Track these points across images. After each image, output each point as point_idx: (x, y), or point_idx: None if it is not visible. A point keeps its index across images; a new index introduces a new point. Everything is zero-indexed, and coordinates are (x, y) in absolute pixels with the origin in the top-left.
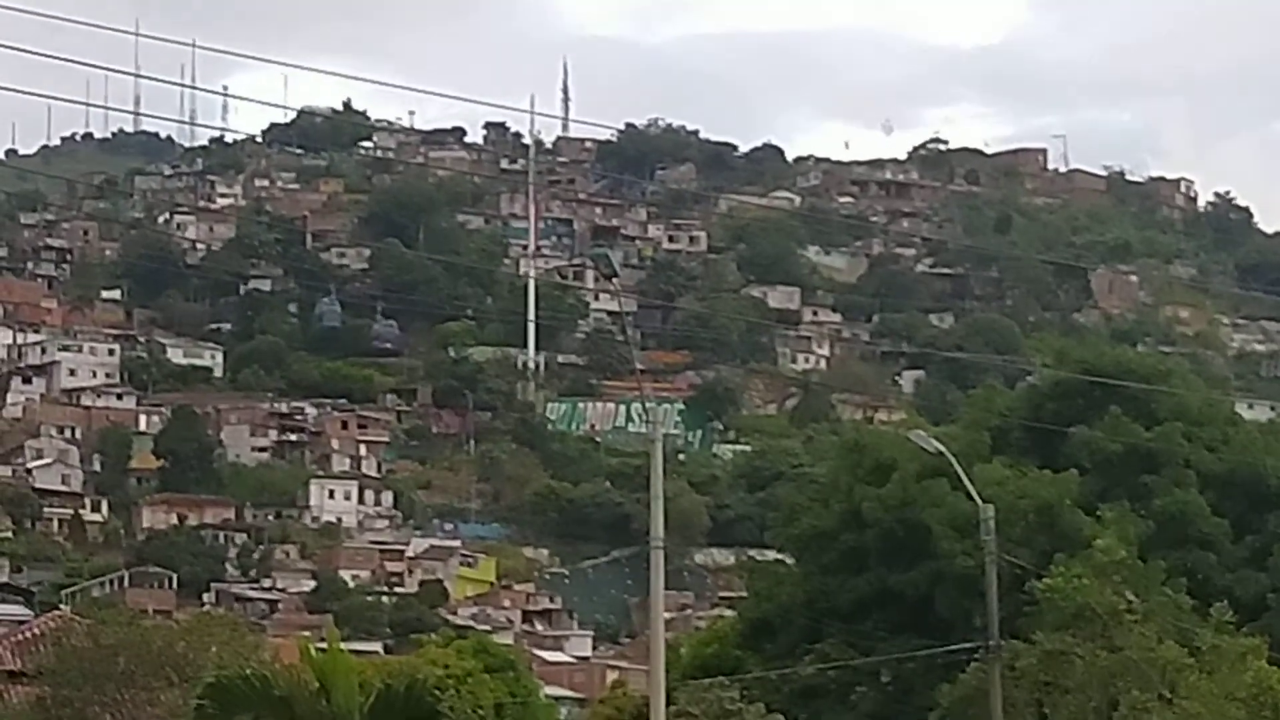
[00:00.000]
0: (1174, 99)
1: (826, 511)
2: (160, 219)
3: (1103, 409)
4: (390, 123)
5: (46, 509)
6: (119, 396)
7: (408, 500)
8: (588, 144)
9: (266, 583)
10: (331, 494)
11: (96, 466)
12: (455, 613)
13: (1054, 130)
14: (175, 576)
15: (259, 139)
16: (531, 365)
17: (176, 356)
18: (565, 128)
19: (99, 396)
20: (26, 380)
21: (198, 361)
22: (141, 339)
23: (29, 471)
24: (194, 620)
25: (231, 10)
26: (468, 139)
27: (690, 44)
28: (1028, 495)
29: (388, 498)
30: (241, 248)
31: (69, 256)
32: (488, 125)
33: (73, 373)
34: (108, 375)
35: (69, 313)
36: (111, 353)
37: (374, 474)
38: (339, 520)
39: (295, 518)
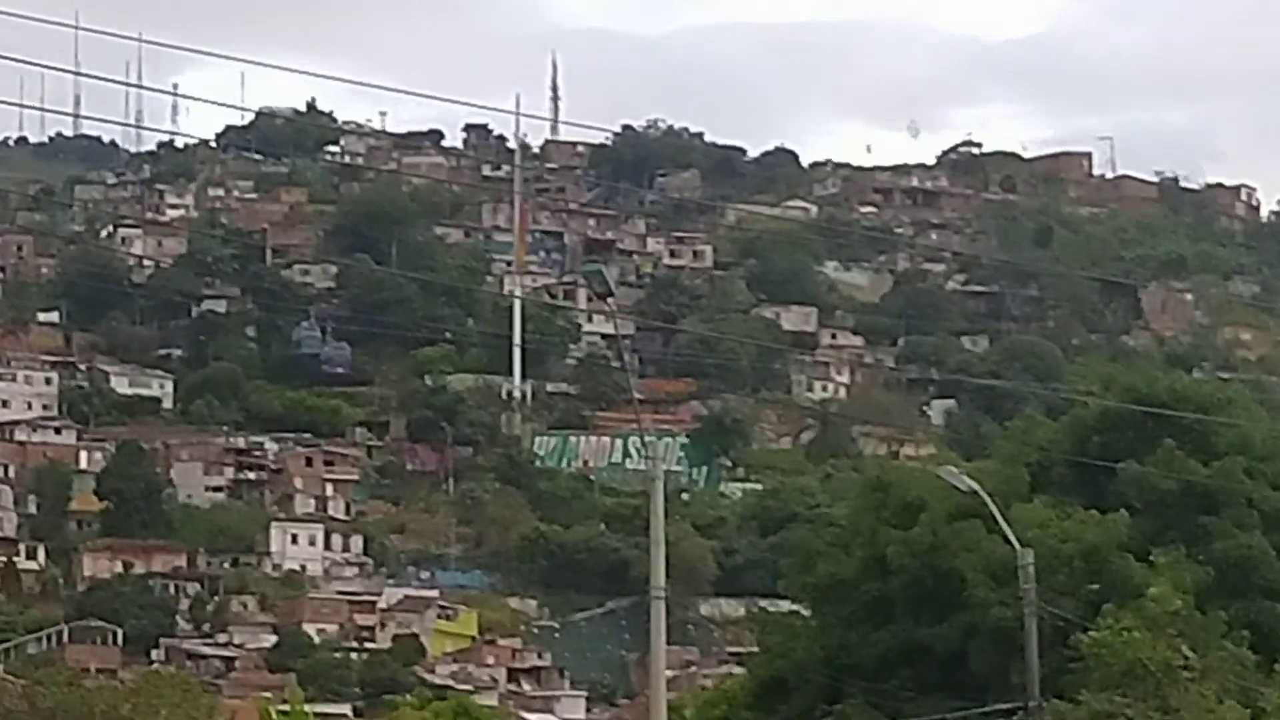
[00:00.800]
0: (1233, 97)
1: (847, 557)
2: (103, 232)
3: (1155, 442)
4: (359, 125)
5: None
6: (57, 431)
7: (379, 546)
8: (580, 148)
9: (222, 638)
10: (294, 539)
11: (32, 509)
12: (433, 671)
13: (1100, 132)
14: (120, 631)
15: (213, 143)
16: (517, 395)
17: (121, 386)
18: (554, 130)
19: (35, 431)
20: None
21: (145, 391)
22: (82, 367)
23: None
24: (141, 680)
25: (182, 1)
26: (445, 143)
27: (694, 36)
28: (1071, 538)
29: (357, 543)
30: (194, 264)
31: (1, 275)
32: (468, 128)
33: (5, 404)
34: (45, 407)
35: (1, 338)
36: (49, 382)
37: (342, 516)
38: (303, 568)
39: (254, 565)
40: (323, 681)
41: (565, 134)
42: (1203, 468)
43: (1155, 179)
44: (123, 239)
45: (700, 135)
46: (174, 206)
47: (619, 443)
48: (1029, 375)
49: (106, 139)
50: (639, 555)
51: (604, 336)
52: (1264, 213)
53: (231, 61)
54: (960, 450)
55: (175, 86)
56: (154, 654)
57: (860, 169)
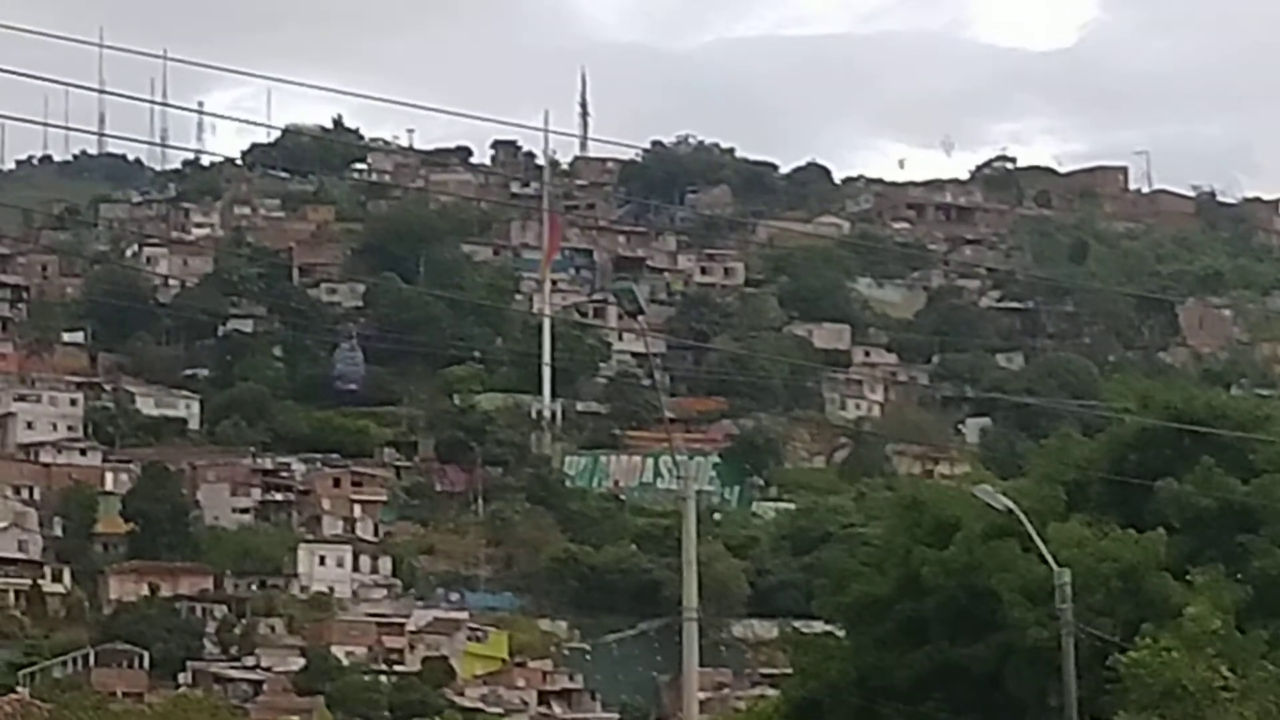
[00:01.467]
0: (1271, 109)
1: (881, 577)
2: (128, 252)
3: (1193, 460)
4: (386, 142)
5: (1, 579)
6: (82, 452)
7: (408, 567)
8: (609, 164)
9: (249, 661)
10: (322, 560)
11: (58, 531)
12: (462, 694)
13: (1136, 146)
14: (147, 655)
15: (239, 161)
16: (547, 414)
17: (147, 407)
18: (584, 146)
19: (60, 452)
20: None
21: (171, 412)
22: (107, 387)
23: None
24: (168, 704)
25: (207, 18)
26: (474, 160)
27: (724, 51)
28: (1109, 558)
29: (385, 564)
30: (220, 284)
31: (25, 295)
32: (496, 144)
33: (30, 425)
34: (69, 428)
35: (25, 358)
36: (74, 403)
37: (370, 538)
38: (331, 590)
39: (281, 588)
40: (351, 705)
41: (595, 150)
42: (1241, 485)
43: (1192, 193)
44: (148, 258)
45: (731, 151)
46: (200, 225)
47: (650, 462)
48: (1065, 392)
49: (131, 157)
50: (671, 576)
51: (634, 355)
52: None
53: (257, 79)
54: (995, 469)
55: (200, 104)
56: (181, 677)
57: (893, 184)
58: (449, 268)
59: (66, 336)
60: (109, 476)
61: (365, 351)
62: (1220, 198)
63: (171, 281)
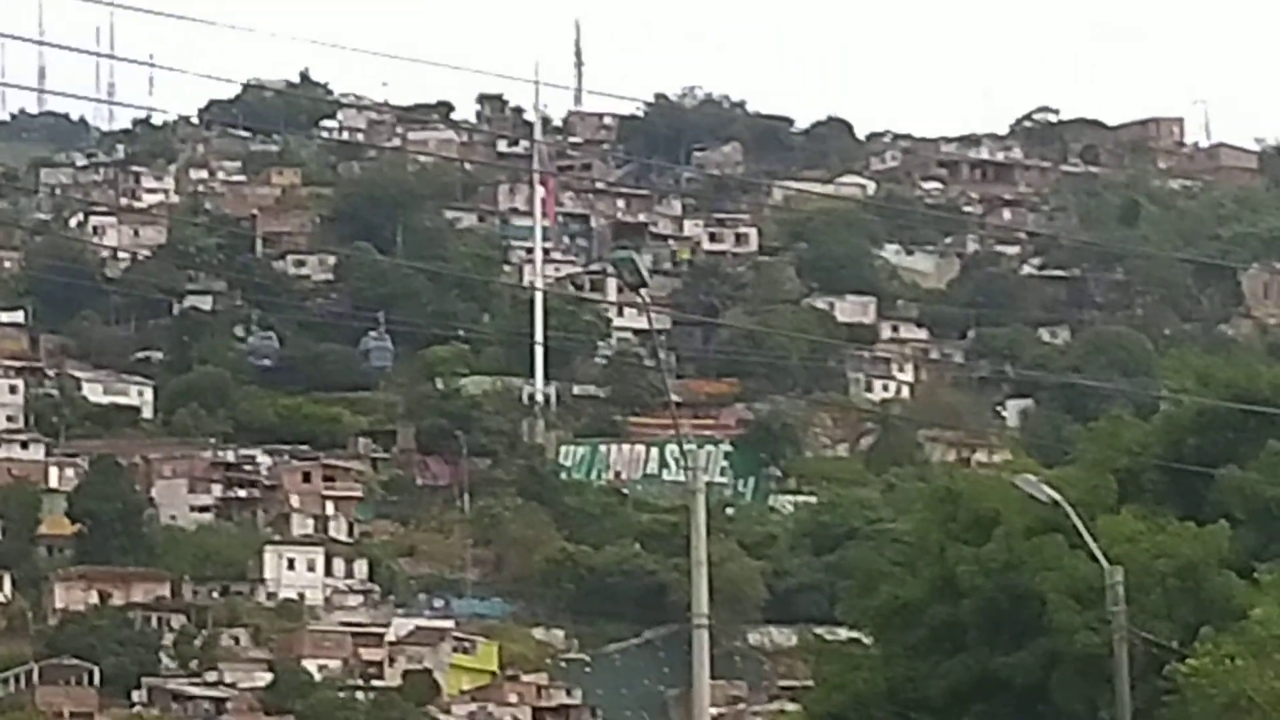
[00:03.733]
0: None
1: (912, 578)
2: (72, 221)
3: (1259, 444)
4: (358, 97)
5: None
6: (23, 445)
7: (387, 571)
8: (607, 120)
9: (211, 676)
10: (291, 564)
11: None
12: (448, 711)
13: (1192, 96)
14: (97, 670)
15: (194, 120)
16: (540, 399)
17: (95, 394)
18: (578, 100)
19: None
20: None
21: (121, 400)
22: (51, 373)
23: None
24: None
25: None
26: (456, 116)
27: None
28: (1166, 554)
29: (362, 568)
30: (174, 256)
31: None
32: (481, 99)
33: None
34: (9, 418)
35: None
36: (13, 390)
37: (344, 538)
38: (301, 597)
39: (246, 594)
40: None
41: (590, 104)
42: None
43: (1256, 147)
44: (94, 228)
45: (742, 104)
46: (151, 191)
47: (654, 451)
48: (1115, 370)
49: (75, 116)
50: (678, 578)
51: (636, 332)
52: None
53: (215, 28)
54: (1039, 455)
55: (151, 57)
56: (135, 695)
57: (923, 140)
58: (429, 236)
59: (4, 316)
60: (53, 472)
61: (334, 331)
62: None
63: (121, 254)
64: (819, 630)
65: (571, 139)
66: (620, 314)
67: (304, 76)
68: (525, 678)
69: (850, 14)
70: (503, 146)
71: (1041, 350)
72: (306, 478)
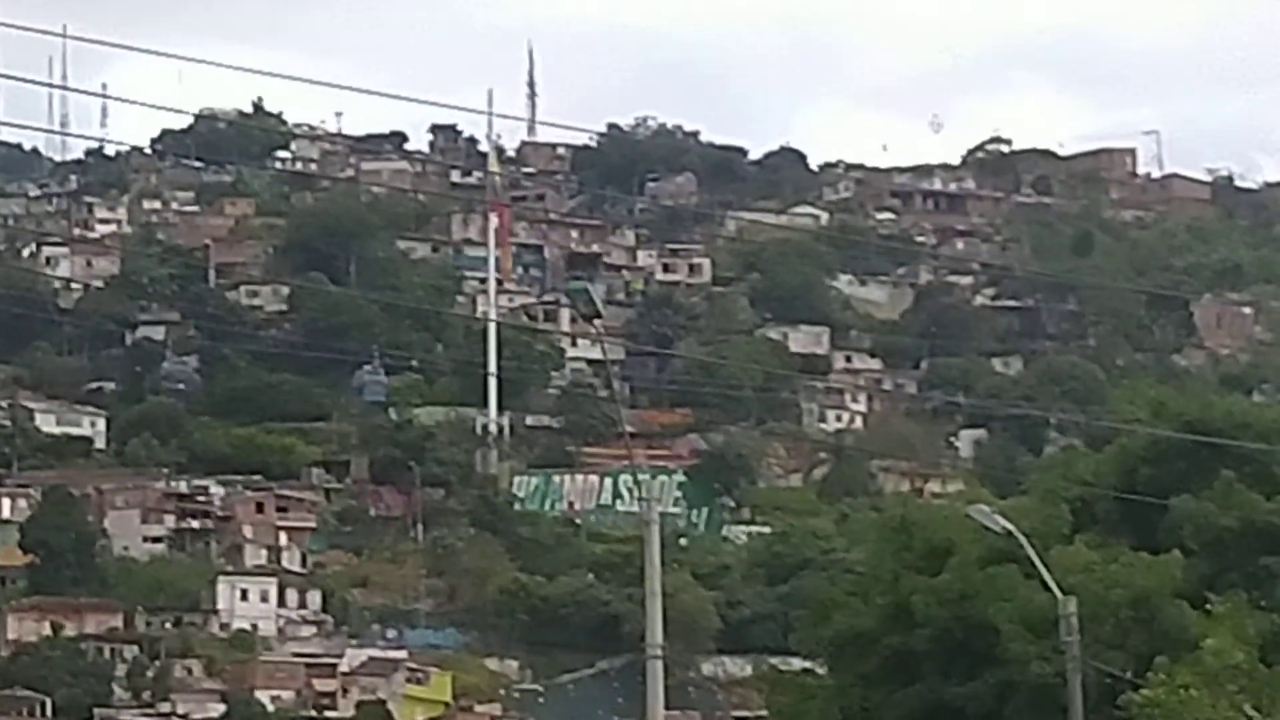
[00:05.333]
0: None
1: (866, 608)
2: (25, 251)
3: (1212, 474)
4: (312, 127)
5: None
6: None
7: (340, 601)
8: (560, 150)
9: (164, 707)
10: (244, 595)
11: None
12: None
13: (1145, 125)
14: (49, 701)
15: (147, 150)
16: (493, 429)
17: (47, 424)
18: (532, 130)
19: None
20: None
21: (74, 430)
22: (3, 403)
23: None
24: None
25: None
26: (409, 146)
27: (688, 23)
28: (1119, 584)
29: (315, 598)
30: (127, 286)
31: None
32: (434, 129)
33: None
34: None
35: None
36: None
37: (297, 569)
38: (254, 627)
39: (199, 625)
40: None
41: (544, 135)
42: (1265, 502)
43: (1208, 178)
44: (47, 259)
45: (696, 134)
46: (104, 221)
47: (608, 482)
48: (1068, 400)
49: (28, 146)
50: (632, 609)
51: (590, 362)
52: None
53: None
54: (992, 486)
55: (104, 87)
56: None
57: (876, 170)
58: (383, 266)
59: None
60: (5, 503)
61: (285, 361)
62: (1239, 182)
63: (74, 284)
64: (773, 660)
65: (525, 169)
66: (574, 344)
67: (257, 106)
68: (479, 708)
69: (803, 44)
70: (456, 177)
71: (994, 380)
72: (260, 508)
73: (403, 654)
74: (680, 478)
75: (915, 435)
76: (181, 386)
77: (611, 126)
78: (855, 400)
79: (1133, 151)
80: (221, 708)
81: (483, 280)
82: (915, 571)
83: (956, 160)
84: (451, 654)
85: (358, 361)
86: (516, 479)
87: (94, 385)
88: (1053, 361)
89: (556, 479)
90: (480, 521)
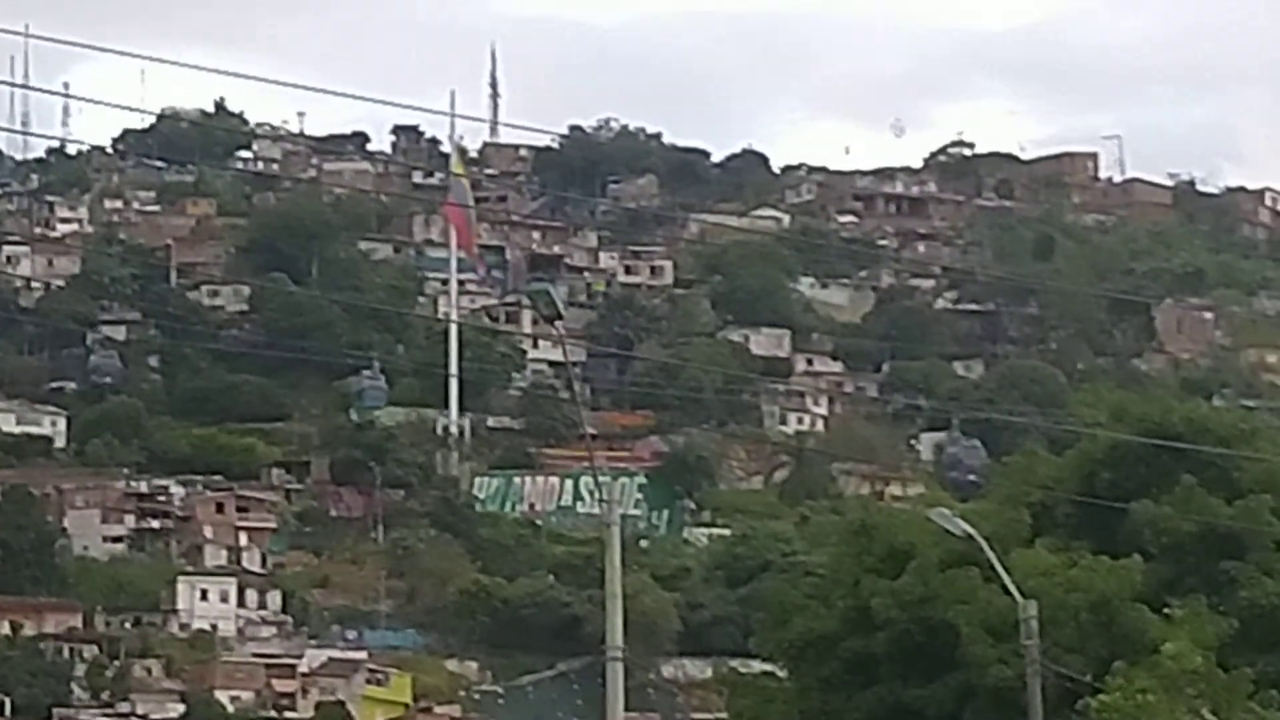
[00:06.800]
0: (1256, 90)
1: (826, 611)
2: None
3: (1172, 479)
4: (273, 128)
5: None
6: None
7: (300, 602)
8: (522, 152)
9: (124, 707)
10: (204, 595)
11: None
12: None
13: (1106, 130)
14: (8, 701)
15: (109, 149)
16: (454, 431)
17: (7, 424)
18: (494, 131)
19: None
20: None
21: (34, 430)
22: None
23: None
24: None
25: None
26: (371, 147)
27: (650, 26)
28: (1079, 588)
29: (275, 599)
30: (88, 286)
31: None
32: (396, 130)
33: None
34: None
35: None
36: None
37: (257, 569)
38: (214, 628)
39: (159, 625)
40: None
41: (506, 136)
42: (1225, 507)
43: (1169, 182)
44: (8, 258)
45: (658, 136)
46: (65, 221)
47: (569, 484)
48: (1029, 404)
49: None
50: (593, 610)
51: (551, 364)
52: None
53: (129, 57)
54: (953, 489)
55: (66, 86)
56: None
57: (838, 173)
58: (344, 267)
59: None
60: None
61: (249, 361)
62: (1200, 187)
63: (34, 284)
64: (733, 663)
65: (487, 170)
66: (535, 346)
67: (219, 106)
68: (438, 709)
69: (766, 47)
70: (418, 178)
71: (956, 384)
72: (220, 508)
73: (363, 655)
74: (641, 480)
75: (876, 438)
76: (109, 380)
77: (573, 128)
78: (816, 403)
79: (1094, 156)
80: (181, 708)
81: (444, 281)
82: (876, 574)
83: (918, 164)
84: (411, 655)
85: (355, 367)
86: (477, 480)
87: (54, 385)
88: (1014, 365)
89: (517, 480)
90: (441, 523)
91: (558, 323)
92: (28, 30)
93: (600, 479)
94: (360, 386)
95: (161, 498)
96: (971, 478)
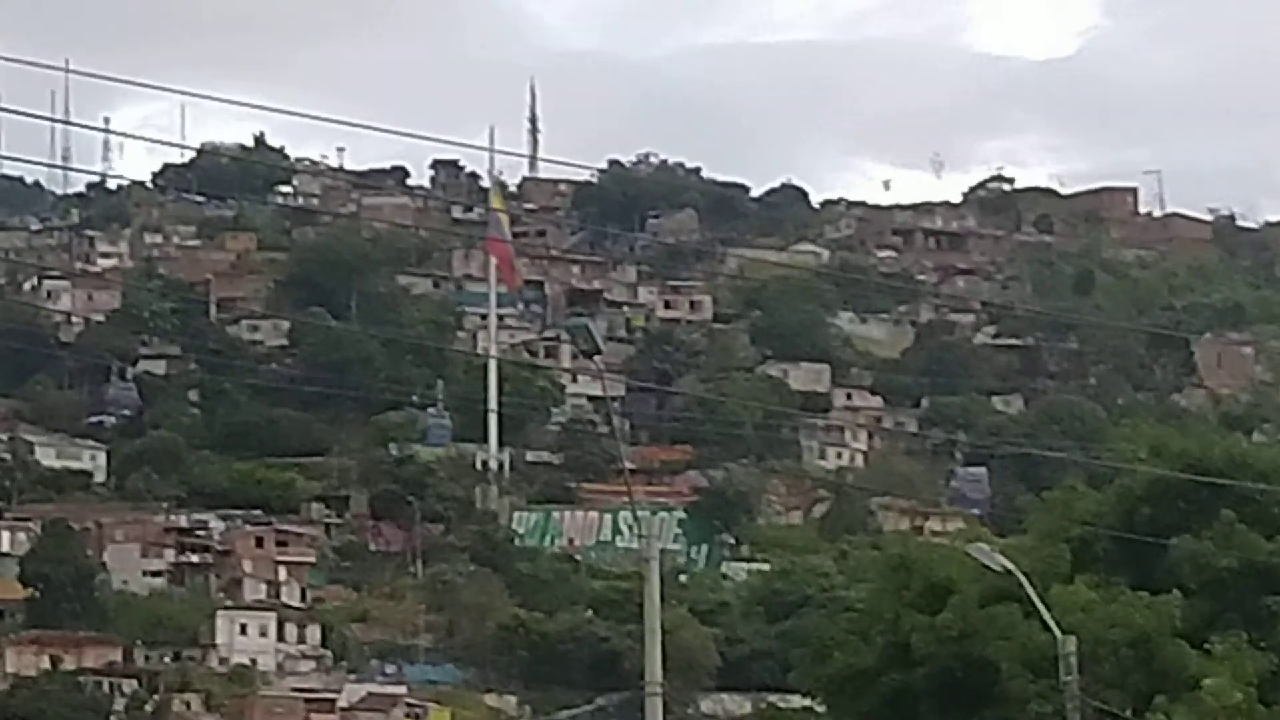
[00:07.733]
0: None
1: (866, 646)
2: (26, 285)
3: (1212, 514)
4: (313, 162)
5: None
6: None
7: (339, 636)
8: (562, 187)
9: None
10: (243, 629)
11: None
12: None
13: (1145, 165)
14: None
15: (149, 184)
16: (493, 465)
17: (47, 458)
18: (534, 166)
19: None
20: None
21: (74, 464)
22: (3, 437)
23: None
24: None
25: (114, 26)
26: (411, 182)
27: (689, 61)
28: (1119, 623)
29: (314, 633)
30: (128, 320)
31: None
32: (436, 164)
33: None
34: None
35: None
36: None
37: (297, 604)
38: (253, 662)
39: (198, 660)
40: None
41: (545, 171)
42: (1265, 542)
43: (1209, 217)
44: (48, 292)
45: (697, 171)
46: (106, 255)
47: (608, 518)
48: (1069, 439)
49: (30, 180)
50: (631, 645)
51: (590, 399)
52: None
53: (170, 94)
54: (993, 524)
55: (107, 121)
56: None
57: (877, 208)
58: (383, 302)
59: None
60: (5, 536)
61: (289, 396)
62: (1240, 222)
63: (75, 318)
64: (772, 698)
65: (527, 205)
66: (574, 380)
67: (259, 141)
68: None
69: (805, 82)
70: (457, 213)
71: (995, 419)
72: (259, 543)
73: (402, 689)
74: (680, 514)
75: (915, 473)
76: (127, 413)
77: (613, 163)
78: (855, 438)
79: (1134, 191)
80: None
81: (484, 316)
82: (915, 610)
83: (958, 199)
84: (450, 689)
85: (422, 405)
86: (516, 515)
87: (94, 419)
88: (1053, 400)
89: (556, 515)
90: (480, 557)
91: (597, 358)
92: (68, 66)
93: (639, 514)
94: (426, 424)
95: (201, 532)
96: (975, 511)
